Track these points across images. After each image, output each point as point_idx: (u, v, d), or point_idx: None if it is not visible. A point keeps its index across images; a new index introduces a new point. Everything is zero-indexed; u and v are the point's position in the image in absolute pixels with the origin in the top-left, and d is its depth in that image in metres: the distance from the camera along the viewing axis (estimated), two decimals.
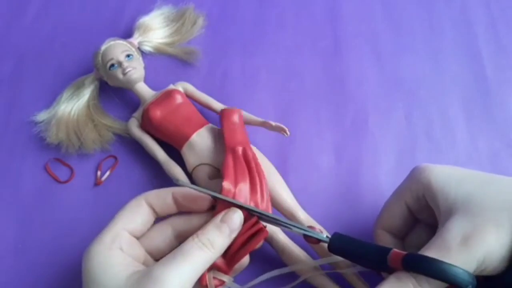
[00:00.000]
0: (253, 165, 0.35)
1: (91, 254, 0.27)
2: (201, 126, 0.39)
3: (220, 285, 0.31)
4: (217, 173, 0.37)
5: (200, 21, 0.48)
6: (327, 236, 0.30)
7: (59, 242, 0.38)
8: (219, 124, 0.39)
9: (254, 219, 0.30)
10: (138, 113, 0.41)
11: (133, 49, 0.42)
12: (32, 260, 0.37)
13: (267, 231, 0.30)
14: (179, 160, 0.38)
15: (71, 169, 0.41)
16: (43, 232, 0.38)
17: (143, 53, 0.45)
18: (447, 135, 0.42)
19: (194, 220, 0.31)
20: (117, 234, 0.28)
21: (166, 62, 0.46)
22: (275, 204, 0.36)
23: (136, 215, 0.30)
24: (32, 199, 0.40)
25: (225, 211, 0.29)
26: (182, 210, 0.31)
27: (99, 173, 0.40)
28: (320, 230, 0.31)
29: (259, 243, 0.30)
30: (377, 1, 0.50)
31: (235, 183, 0.33)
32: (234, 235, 0.29)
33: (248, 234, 0.30)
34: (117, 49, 0.41)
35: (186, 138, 0.38)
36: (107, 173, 0.40)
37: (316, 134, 0.43)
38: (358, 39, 0.48)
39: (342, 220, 0.38)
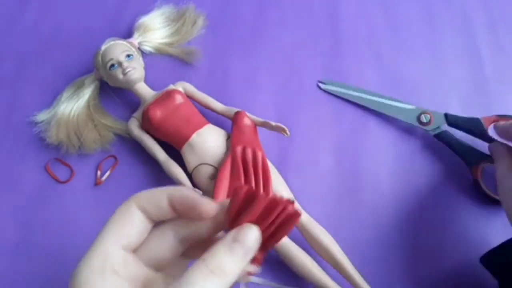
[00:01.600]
0: (250, 166, 0.35)
1: (78, 281, 0.22)
2: (201, 126, 0.39)
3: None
4: (217, 173, 0.37)
5: (200, 21, 0.48)
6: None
7: (59, 241, 0.38)
8: (230, 127, 0.39)
9: (283, 204, 0.24)
10: (138, 113, 0.41)
11: (133, 49, 0.42)
12: (32, 260, 0.37)
13: (299, 213, 0.24)
14: (179, 160, 0.38)
15: (71, 169, 0.41)
16: (43, 232, 0.38)
17: (143, 53, 0.45)
18: None
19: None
20: (108, 254, 0.23)
21: (166, 62, 0.46)
22: None
23: (128, 226, 0.24)
24: (32, 199, 0.40)
25: (238, 228, 0.23)
26: (181, 216, 0.25)
27: (99, 173, 0.40)
28: None
29: (291, 228, 0.25)
30: (377, 1, 0.50)
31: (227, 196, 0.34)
32: (250, 256, 0.23)
33: (278, 222, 0.24)
34: (117, 49, 0.41)
35: (186, 138, 0.38)
36: (107, 173, 0.40)
37: (316, 134, 0.43)
38: (358, 39, 0.48)
39: (342, 220, 0.38)
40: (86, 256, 0.23)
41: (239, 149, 0.36)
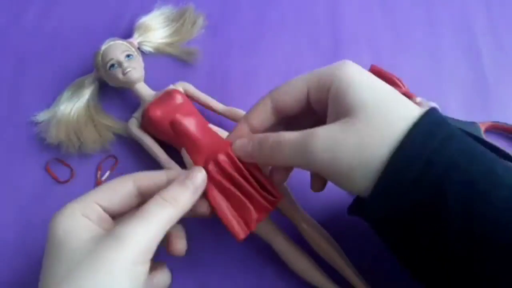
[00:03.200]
0: (235, 174, 0.30)
1: (56, 220, 0.26)
2: None
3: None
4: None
5: (200, 21, 0.48)
6: None
7: None
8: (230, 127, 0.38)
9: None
10: (138, 113, 0.41)
11: (133, 49, 0.42)
12: (32, 260, 0.37)
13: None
14: (179, 160, 0.38)
15: (71, 169, 0.41)
16: (43, 232, 0.38)
17: (143, 53, 0.45)
18: None
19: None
20: (88, 205, 0.27)
21: (166, 62, 0.46)
22: None
23: (116, 195, 0.28)
24: (32, 199, 0.40)
25: (190, 170, 0.29)
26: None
27: (99, 173, 0.40)
28: None
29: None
30: (377, 1, 0.50)
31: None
32: (199, 192, 0.28)
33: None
34: (117, 49, 0.41)
35: None
36: (107, 173, 0.40)
37: None
38: (358, 39, 0.48)
39: (342, 220, 0.38)
40: (70, 203, 0.27)
41: (211, 167, 0.30)
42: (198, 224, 0.38)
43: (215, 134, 0.32)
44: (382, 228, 0.29)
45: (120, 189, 0.28)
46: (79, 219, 0.26)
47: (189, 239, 0.38)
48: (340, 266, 0.34)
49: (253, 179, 0.30)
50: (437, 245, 0.25)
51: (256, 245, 0.37)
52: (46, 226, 0.38)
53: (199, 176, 0.28)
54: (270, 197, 0.31)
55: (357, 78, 0.27)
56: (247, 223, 0.30)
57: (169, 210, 0.26)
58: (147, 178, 0.29)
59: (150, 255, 0.25)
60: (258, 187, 0.31)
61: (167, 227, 0.26)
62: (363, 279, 0.34)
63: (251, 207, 0.30)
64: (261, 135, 0.30)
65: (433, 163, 0.24)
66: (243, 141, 0.30)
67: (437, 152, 0.24)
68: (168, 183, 0.28)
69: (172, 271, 0.30)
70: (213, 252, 0.37)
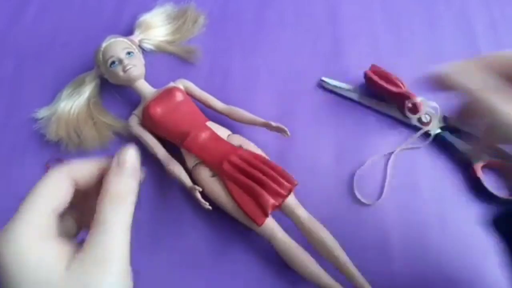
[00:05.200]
0: (248, 168, 0.36)
1: (14, 246, 0.21)
2: (201, 123, 0.39)
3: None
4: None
5: (201, 20, 0.48)
6: None
7: None
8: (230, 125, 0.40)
9: None
10: (138, 110, 0.41)
11: (134, 47, 0.42)
12: None
13: None
14: (179, 157, 0.38)
15: None
16: None
17: (143, 51, 0.45)
18: None
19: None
20: (48, 217, 0.23)
21: (167, 60, 0.46)
22: None
23: (59, 192, 0.24)
24: None
25: (117, 153, 0.25)
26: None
27: None
28: None
29: None
30: (377, 1, 0.50)
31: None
32: (137, 171, 0.25)
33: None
34: (117, 46, 0.41)
35: (186, 135, 0.38)
36: None
37: (316, 134, 0.42)
38: (358, 39, 0.48)
39: (342, 219, 0.38)
40: (20, 219, 0.22)
41: (226, 166, 0.36)
42: (199, 224, 0.38)
43: (222, 140, 0.37)
44: None
45: (63, 188, 0.24)
46: (50, 243, 0.23)
47: (190, 239, 0.38)
48: (340, 263, 0.34)
49: (268, 168, 0.35)
50: None
51: (256, 243, 0.37)
52: None
53: (128, 158, 0.25)
54: (285, 183, 0.35)
55: None
56: (264, 209, 0.34)
57: (122, 209, 0.23)
58: (80, 171, 0.25)
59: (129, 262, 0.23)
60: (272, 175, 0.35)
61: (129, 224, 0.24)
62: (362, 276, 0.34)
63: (266, 194, 0.34)
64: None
65: None
66: None
67: None
68: (101, 171, 0.25)
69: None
70: (214, 251, 0.37)
